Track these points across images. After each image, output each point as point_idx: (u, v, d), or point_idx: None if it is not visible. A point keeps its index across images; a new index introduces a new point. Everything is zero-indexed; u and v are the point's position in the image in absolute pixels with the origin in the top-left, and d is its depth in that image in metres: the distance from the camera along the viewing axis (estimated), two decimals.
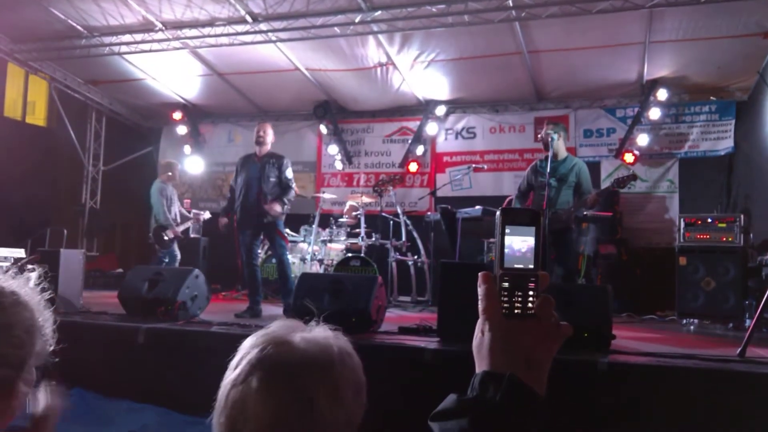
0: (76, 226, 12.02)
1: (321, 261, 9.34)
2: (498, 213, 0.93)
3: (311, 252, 9.25)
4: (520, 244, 0.91)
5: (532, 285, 0.90)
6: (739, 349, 4.59)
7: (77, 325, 5.62)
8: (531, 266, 0.91)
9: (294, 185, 7.25)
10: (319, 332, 1.22)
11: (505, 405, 0.83)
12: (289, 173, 7.18)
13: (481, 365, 0.89)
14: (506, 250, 0.91)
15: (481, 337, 0.91)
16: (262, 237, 7.49)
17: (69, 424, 4.64)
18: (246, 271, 7.08)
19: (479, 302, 0.92)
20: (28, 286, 1.44)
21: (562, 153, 6.77)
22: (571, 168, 6.66)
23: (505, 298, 0.90)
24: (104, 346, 5.34)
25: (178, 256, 9.08)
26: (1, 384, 1.33)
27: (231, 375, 1.13)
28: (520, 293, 0.90)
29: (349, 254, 9.11)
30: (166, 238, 8.76)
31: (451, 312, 5.13)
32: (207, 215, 9.52)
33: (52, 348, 1.48)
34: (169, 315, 5.88)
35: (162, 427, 4.58)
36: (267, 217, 6.96)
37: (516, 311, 0.90)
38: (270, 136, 7.28)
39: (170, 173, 9.16)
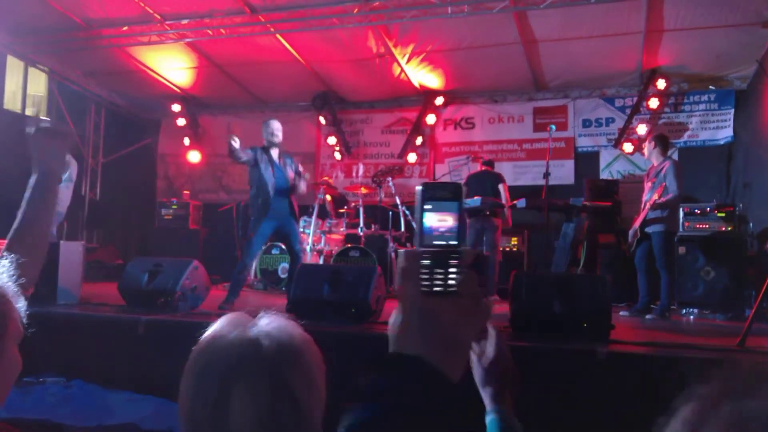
0: (76, 218, 12.00)
1: (320, 251, 9.34)
2: (418, 188, 0.90)
3: (310, 242, 9.25)
4: (441, 219, 0.88)
5: (453, 262, 0.86)
6: (739, 339, 4.61)
7: (77, 317, 5.63)
8: (453, 242, 0.88)
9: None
10: (272, 323, 1.21)
11: (409, 389, 0.79)
12: (301, 168, 7.23)
13: (392, 346, 0.85)
14: (426, 227, 0.88)
15: (395, 316, 0.86)
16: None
17: (70, 415, 4.65)
18: (241, 265, 6.92)
19: (397, 280, 0.88)
20: None
21: None
22: None
23: (426, 276, 0.86)
24: (104, 338, 5.34)
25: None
26: None
27: (198, 391, 1.12)
28: (440, 270, 0.86)
29: (348, 245, 9.12)
30: None
31: None
32: None
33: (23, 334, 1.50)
34: (169, 306, 5.88)
35: (162, 417, 4.59)
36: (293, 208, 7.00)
37: (437, 289, 0.85)
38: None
39: None
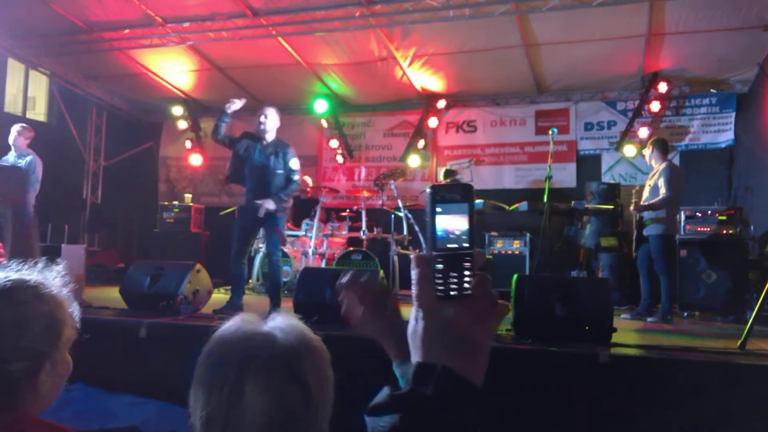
0: (78, 222, 12.02)
1: (322, 255, 9.33)
2: (427, 190, 0.87)
3: (313, 246, 9.24)
4: (452, 222, 0.86)
5: (467, 264, 0.85)
6: (740, 342, 4.60)
7: (79, 320, 5.62)
8: (466, 245, 0.85)
9: (297, 177, 6.61)
10: (284, 321, 1.25)
11: (438, 399, 0.79)
12: (293, 164, 6.55)
13: (415, 355, 0.85)
14: (438, 230, 0.86)
15: (414, 324, 0.86)
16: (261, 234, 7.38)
17: (72, 418, 4.65)
18: (231, 265, 6.52)
19: (412, 287, 0.87)
20: (51, 279, 1.46)
21: None
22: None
23: (440, 281, 0.85)
24: (106, 341, 5.33)
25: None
26: (21, 374, 1.38)
27: (214, 379, 1.15)
28: (455, 274, 0.85)
29: (351, 248, 9.12)
30: None
31: None
32: None
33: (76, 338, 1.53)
34: (171, 309, 5.88)
35: (164, 421, 4.59)
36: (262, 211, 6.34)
37: (452, 293, 0.84)
38: (273, 120, 6.73)
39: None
